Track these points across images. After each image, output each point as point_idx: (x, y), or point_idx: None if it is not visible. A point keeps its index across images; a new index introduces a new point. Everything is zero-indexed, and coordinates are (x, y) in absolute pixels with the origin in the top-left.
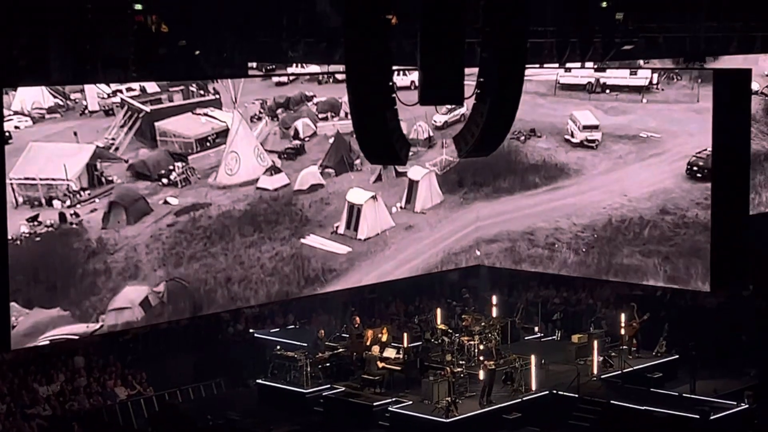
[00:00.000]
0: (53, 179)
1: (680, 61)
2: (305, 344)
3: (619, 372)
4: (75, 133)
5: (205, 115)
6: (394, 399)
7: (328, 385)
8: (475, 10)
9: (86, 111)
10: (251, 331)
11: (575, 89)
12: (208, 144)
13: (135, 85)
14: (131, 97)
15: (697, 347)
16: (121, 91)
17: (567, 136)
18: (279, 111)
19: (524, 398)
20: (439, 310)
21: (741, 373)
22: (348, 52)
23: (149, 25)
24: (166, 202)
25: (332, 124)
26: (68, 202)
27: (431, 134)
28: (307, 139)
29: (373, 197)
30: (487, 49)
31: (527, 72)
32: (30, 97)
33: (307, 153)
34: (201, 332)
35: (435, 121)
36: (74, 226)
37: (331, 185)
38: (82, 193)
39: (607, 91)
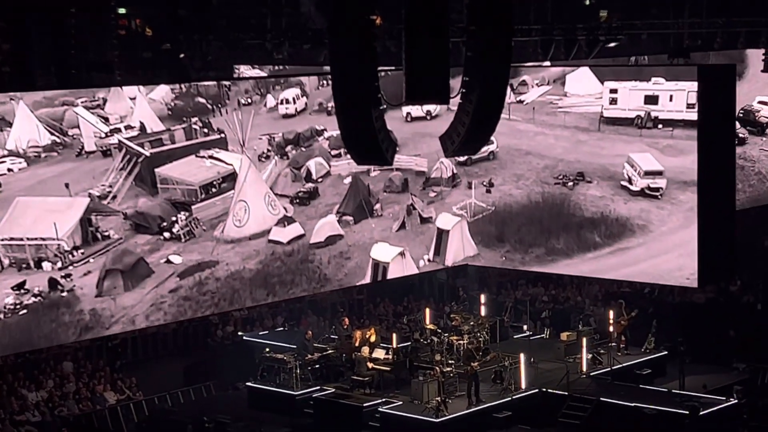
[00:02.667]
0: (42, 239)
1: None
2: (294, 346)
3: (608, 369)
4: (67, 185)
5: (210, 157)
6: (384, 399)
7: (318, 387)
8: (459, 9)
9: (83, 152)
10: (240, 333)
11: (622, 123)
12: (213, 190)
13: (135, 122)
14: (130, 138)
15: (685, 343)
16: (119, 130)
17: (624, 182)
18: (288, 148)
19: (514, 397)
20: (428, 310)
21: (730, 368)
22: (333, 53)
23: (134, 29)
24: (168, 261)
25: (347, 162)
26: (59, 264)
27: (455, 171)
28: (320, 180)
29: (401, 254)
30: (472, 48)
31: (565, 103)
32: (26, 134)
33: (322, 196)
34: (190, 336)
35: (458, 157)
36: (65, 294)
37: (350, 235)
38: (75, 252)
39: (660, 126)
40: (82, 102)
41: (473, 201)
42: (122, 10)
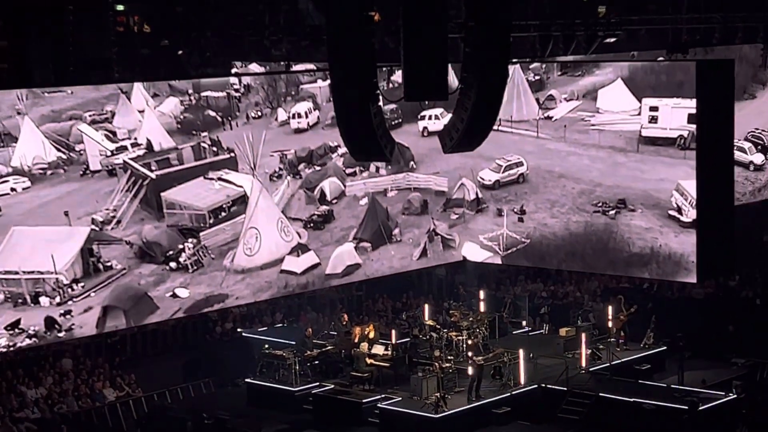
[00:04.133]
0: (40, 272)
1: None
2: (293, 342)
3: (608, 364)
4: (66, 213)
5: (219, 179)
6: (383, 396)
7: (317, 383)
8: (457, 6)
9: (87, 171)
10: (239, 330)
11: (663, 144)
12: (223, 214)
13: (142, 138)
14: (136, 157)
15: (684, 338)
16: (125, 149)
17: (673, 212)
18: (301, 167)
19: (513, 392)
20: (426, 306)
21: (729, 363)
22: (331, 50)
23: (132, 26)
24: (174, 296)
25: (362, 182)
26: (58, 299)
27: (479, 195)
28: (335, 201)
29: None
30: (471, 44)
31: (598, 120)
32: (31, 150)
33: (337, 219)
34: (189, 332)
35: (482, 178)
36: (62, 334)
37: (368, 265)
38: (74, 286)
39: None
40: (90, 115)
41: (505, 231)
42: (120, 7)
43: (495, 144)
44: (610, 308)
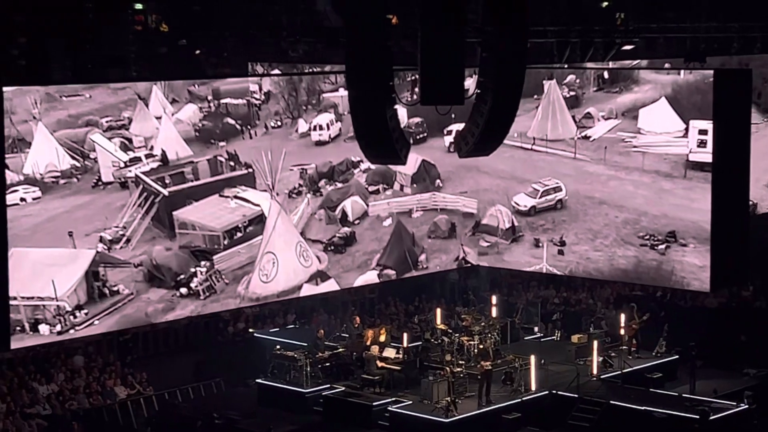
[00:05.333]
0: (40, 297)
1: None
2: (305, 344)
3: (619, 372)
4: (71, 234)
5: (236, 197)
6: (393, 399)
7: (328, 385)
8: (475, 10)
9: (99, 182)
10: (251, 330)
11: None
12: (239, 235)
13: (158, 149)
14: (150, 170)
15: (696, 347)
16: (139, 160)
17: None
18: (322, 183)
19: (524, 398)
20: (438, 310)
21: (741, 373)
22: (348, 52)
23: (150, 25)
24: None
25: (386, 202)
26: (59, 327)
27: (515, 222)
28: (357, 222)
29: None
30: (488, 49)
31: (641, 142)
32: (44, 158)
33: (359, 242)
34: (201, 332)
35: (517, 204)
36: (75, 330)
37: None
38: (77, 313)
39: None
40: (106, 121)
41: (544, 265)
42: (139, 6)
43: (529, 165)
44: (622, 316)
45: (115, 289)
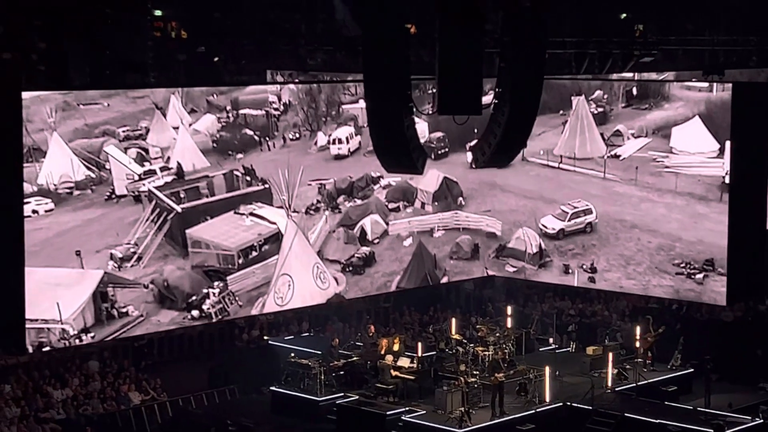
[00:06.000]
0: (44, 320)
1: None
2: (319, 352)
3: (634, 385)
4: (78, 253)
5: (251, 215)
6: (407, 408)
7: (342, 394)
8: (494, 20)
9: (113, 195)
10: (266, 338)
11: None
12: (254, 254)
13: (174, 161)
14: (163, 185)
15: (712, 361)
16: (154, 173)
17: None
18: (341, 199)
19: (538, 410)
20: (453, 320)
21: (756, 387)
22: (366, 61)
23: (169, 32)
24: None
25: (407, 220)
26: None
27: (543, 247)
28: (376, 241)
29: None
30: (506, 60)
31: (673, 162)
32: (59, 168)
33: (378, 263)
34: (215, 339)
35: (544, 226)
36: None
37: None
38: (83, 336)
39: None
40: (123, 131)
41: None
42: (158, 13)
43: (556, 184)
44: (638, 328)
45: (124, 310)
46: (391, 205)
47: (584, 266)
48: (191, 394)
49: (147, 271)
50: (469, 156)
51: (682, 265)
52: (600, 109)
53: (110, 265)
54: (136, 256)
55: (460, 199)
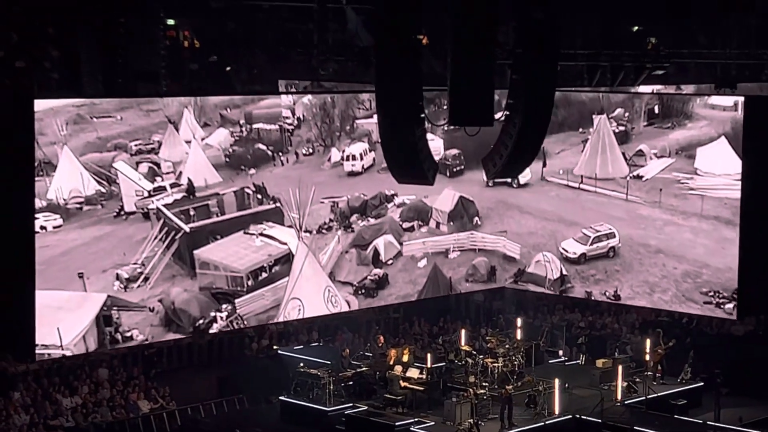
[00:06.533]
0: (45, 345)
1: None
2: (329, 362)
3: (643, 398)
4: (81, 275)
5: (261, 234)
6: (416, 419)
7: (351, 404)
8: (506, 32)
9: (122, 212)
10: (275, 347)
11: None
12: (263, 275)
13: (185, 176)
14: (172, 203)
15: (722, 375)
16: (163, 189)
17: None
18: (354, 218)
19: (547, 422)
20: (463, 331)
21: (766, 401)
22: (378, 72)
23: (181, 41)
24: None
25: (421, 241)
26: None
27: (564, 272)
28: (390, 262)
29: None
30: (518, 71)
31: (698, 184)
32: (69, 183)
33: (392, 285)
34: (225, 348)
35: (565, 250)
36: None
37: None
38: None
39: None
40: (135, 145)
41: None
42: (171, 22)
43: (577, 205)
44: (648, 341)
45: (129, 334)
46: (406, 225)
47: (607, 293)
48: (200, 403)
49: (154, 293)
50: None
51: (711, 293)
52: (621, 128)
53: (116, 285)
54: (142, 277)
55: (476, 218)
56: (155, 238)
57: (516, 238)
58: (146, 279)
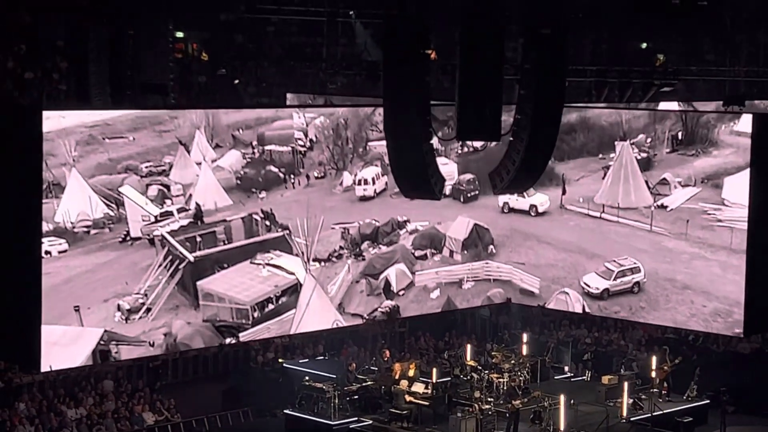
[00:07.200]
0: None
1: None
2: (334, 375)
3: (649, 415)
4: (77, 309)
5: (268, 264)
6: None
7: (356, 418)
8: (514, 47)
9: (128, 237)
10: (280, 360)
11: None
12: (270, 307)
13: (195, 199)
14: (178, 229)
15: (728, 392)
16: (171, 214)
17: None
18: (365, 245)
19: None
20: (469, 346)
21: None
22: (386, 86)
23: (190, 53)
24: None
25: (434, 271)
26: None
27: (586, 308)
28: (401, 293)
29: None
30: (526, 87)
31: (727, 216)
32: (76, 206)
33: (403, 316)
34: (230, 360)
35: (587, 285)
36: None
37: None
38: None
39: None
40: (146, 167)
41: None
42: (180, 34)
43: (598, 236)
44: (654, 358)
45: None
46: (418, 253)
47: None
48: (205, 416)
49: (155, 324)
50: (501, 200)
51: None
52: (643, 154)
53: (117, 316)
54: (144, 308)
55: (491, 247)
56: (159, 265)
57: (534, 271)
58: (148, 310)
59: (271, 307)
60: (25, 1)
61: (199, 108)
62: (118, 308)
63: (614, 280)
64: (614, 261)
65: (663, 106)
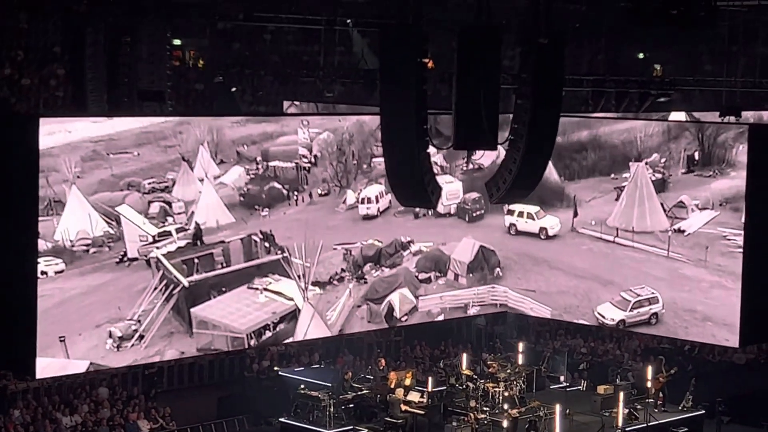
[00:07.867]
0: None
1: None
2: (329, 384)
3: (644, 425)
4: (62, 339)
5: (265, 290)
6: None
7: (351, 427)
8: (512, 56)
9: (125, 258)
10: (276, 368)
11: None
12: (267, 335)
13: (196, 217)
14: (174, 252)
15: (724, 403)
16: (169, 234)
17: None
18: (367, 268)
19: None
20: (464, 355)
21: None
22: (383, 94)
23: (187, 61)
24: None
25: (438, 296)
26: None
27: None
28: (404, 319)
29: None
30: (523, 96)
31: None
32: (75, 224)
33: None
34: (226, 368)
35: (602, 315)
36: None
37: None
38: None
39: None
40: (149, 183)
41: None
42: (177, 42)
43: (613, 262)
44: (649, 368)
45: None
46: (422, 276)
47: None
48: (200, 424)
49: (148, 353)
50: (507, 220)
51: None
52: (658, 175)
53: (108, 344)
54: (137, 335)
55: (498, 270)
56: (155, 288)
57: (545, 299)
58: (141, 337)
59: (268, 334)
60: (22, 7)
61: (195, 116)
62: (110, 335)
63: (630, 311)
64: (630, 290)
65: (670, 117)
